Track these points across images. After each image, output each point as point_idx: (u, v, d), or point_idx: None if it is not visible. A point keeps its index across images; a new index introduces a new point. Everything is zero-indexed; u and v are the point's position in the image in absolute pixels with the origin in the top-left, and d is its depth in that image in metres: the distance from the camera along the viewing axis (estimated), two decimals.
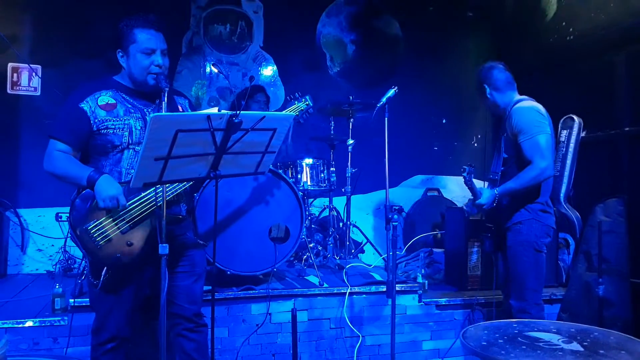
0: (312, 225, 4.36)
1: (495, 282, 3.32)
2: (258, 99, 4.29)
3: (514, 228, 3.01)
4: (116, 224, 2.22)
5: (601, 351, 1.95)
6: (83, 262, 3.24)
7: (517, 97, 3.10)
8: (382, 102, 3.11)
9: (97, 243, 2.19)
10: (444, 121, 5.62)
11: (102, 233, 2.20)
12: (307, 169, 4.06)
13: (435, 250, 4.46)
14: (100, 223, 2.21)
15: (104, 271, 2.24)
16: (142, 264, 2.31)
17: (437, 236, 4.64)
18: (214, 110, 2.06)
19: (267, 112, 2.44)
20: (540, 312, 3.02)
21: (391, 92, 3.11)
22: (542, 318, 2.98)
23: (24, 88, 4.54)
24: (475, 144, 5.85)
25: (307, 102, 3.12)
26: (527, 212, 2.99)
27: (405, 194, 5.38)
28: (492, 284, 3.35)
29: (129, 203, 2.22)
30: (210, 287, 2.48)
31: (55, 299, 3.02)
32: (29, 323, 2.92)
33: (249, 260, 3.25)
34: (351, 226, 4.47)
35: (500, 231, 3.11)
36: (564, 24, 4.61)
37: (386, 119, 3.11)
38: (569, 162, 4.40)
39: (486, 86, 3.11)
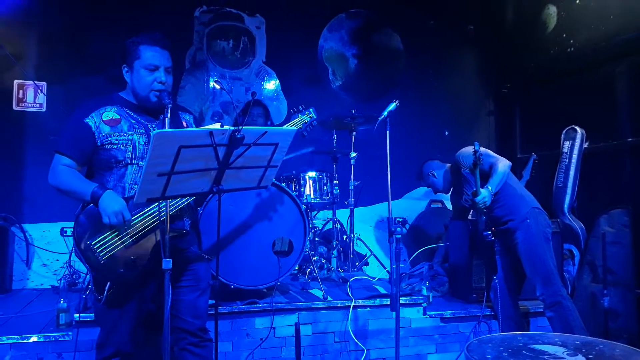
0: (316, 238, 4.35)
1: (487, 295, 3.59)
2: (252, 112, 4.30)
3: (523, 225, 3.26)
4: (120, 239, 2.24)
5: None
6: (87, 276, 3.24)
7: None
8: (383, 116, 3.16)
9: (101, 258, 2.20)
10: (446, 133, 5.64)
11: (105, 248, 2.21)
12: (310, 182, 4.06)
13: (439, 262, 4.44)
14: (104, 238, 2.22)
15: (107, 286, 2.25)
16: (145, 278, 2.32)
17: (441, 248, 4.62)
18: (217, 125, 2.07)
19: (269, 127, 2.46)
20: (567, 294, 3.29)
21: (392, 106, 3.16)
22: (571, 300, 3.26)
23: (30, 104, 4.59)
24: None
25: (310, 115, 3.12)
26: (526, 207, 3.29)
27: (409, 205, 5.37)
28: None
29: (133, 218, 2.24)
30: (213, 302, 2.48)
31: (60, 314, 3.03)
32: (34, 338, 2.92)
33: (252, 274, 3.25)
34: (355, 239, 4.46)
35: (507, 233, 3.33)
36: (564, 36, 4.64)
37: (388, 132, 3.14)
38: (572, 172, 4.41)
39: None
